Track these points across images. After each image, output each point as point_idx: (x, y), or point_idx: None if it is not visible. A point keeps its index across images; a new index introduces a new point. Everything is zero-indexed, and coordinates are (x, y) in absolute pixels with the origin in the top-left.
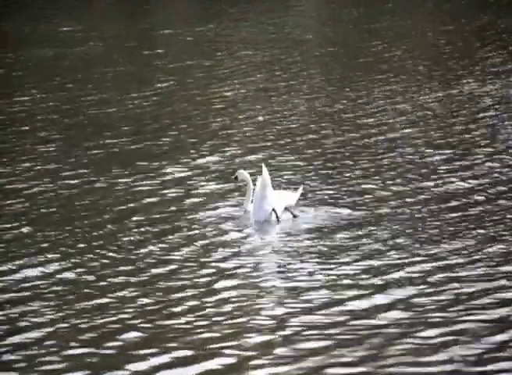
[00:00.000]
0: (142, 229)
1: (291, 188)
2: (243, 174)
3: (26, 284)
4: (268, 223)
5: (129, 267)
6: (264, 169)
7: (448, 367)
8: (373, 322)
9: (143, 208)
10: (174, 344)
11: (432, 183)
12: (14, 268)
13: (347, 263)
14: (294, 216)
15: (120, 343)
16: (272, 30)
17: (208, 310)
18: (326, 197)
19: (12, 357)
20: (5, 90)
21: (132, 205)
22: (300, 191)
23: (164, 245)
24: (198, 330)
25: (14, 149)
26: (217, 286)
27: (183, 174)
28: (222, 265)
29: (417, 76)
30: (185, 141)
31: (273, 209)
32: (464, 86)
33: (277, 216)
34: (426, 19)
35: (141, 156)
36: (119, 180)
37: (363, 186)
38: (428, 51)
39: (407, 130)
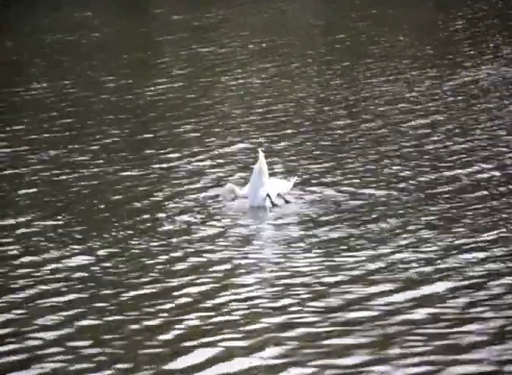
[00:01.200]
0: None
1: (287, 176)
2: (230, 186)
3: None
4: (264, 210)
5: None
6: (261, 156)
7: (486, 367)
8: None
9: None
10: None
11: (442, 171)
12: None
13: (355, 251)
14: (286, 202)
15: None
16: (279, 16)
17: (218, 306)
18: (330, 185)
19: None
20: (21, 77)
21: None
22: (294, 180)
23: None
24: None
25: (35, 137)
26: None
27: (202, 163)
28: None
29: (427, 63)
30: (201, 130)
31: (268, 195)
32: (477, 71)
33: (271, 202)
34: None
35: (154, 145)
36: (135, 171)
37: (366, 174)
38: (436, 38)
39: (412, 117)
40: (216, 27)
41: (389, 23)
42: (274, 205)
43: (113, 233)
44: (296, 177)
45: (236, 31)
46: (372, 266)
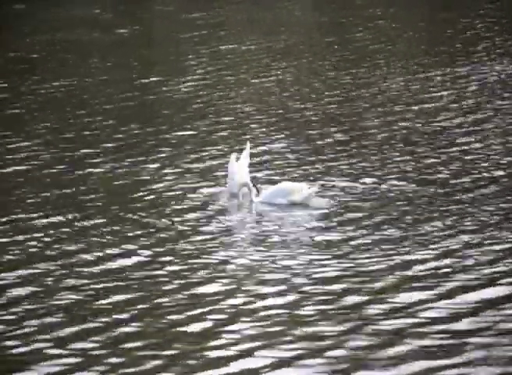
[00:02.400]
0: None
1: (309, 183)
2: (245, 182)
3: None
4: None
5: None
6: (247, 147)
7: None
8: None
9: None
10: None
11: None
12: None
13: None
14: (258, 191)
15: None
16: (287, 14)
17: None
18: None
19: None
20: (45, 74)
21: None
22: (315, 189)
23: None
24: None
25: (61, 135)
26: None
27: (218, 162)
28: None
29: (432, 58)
30: (220, 129)
31: (254, 185)
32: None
33: (257, 189)
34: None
35: (173, 143)
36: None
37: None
38: (437, 35)
39: (436, 116)
40: (230, 25)
41: (397, 21)
42: (258, 192)
43: (146, 235)
44: (317, 187)
45: (249, 30)
46: (410, 273)
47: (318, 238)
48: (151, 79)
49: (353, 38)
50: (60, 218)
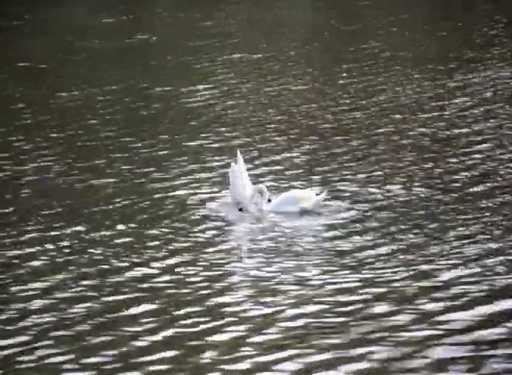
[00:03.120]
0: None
1: (317, 189)
2: (259, 188)
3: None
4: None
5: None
6: (239, 156)
7: None
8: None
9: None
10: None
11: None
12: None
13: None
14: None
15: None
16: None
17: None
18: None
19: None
20: (55, 83)
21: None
22: (323, 195)
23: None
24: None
25: (72, 144)
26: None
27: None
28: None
29: (444, 65)
30: (238, 137)
31: (240, 209)
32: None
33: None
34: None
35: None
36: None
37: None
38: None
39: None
40: (238, 31)
41: (401, 24)
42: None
43: (164, 245)
44: (325, 192)
45: (257, 36)
46: (431, 282)
47: (336, 247)
48: (162, 88)
49: (363, 44)
50: (73, 229)
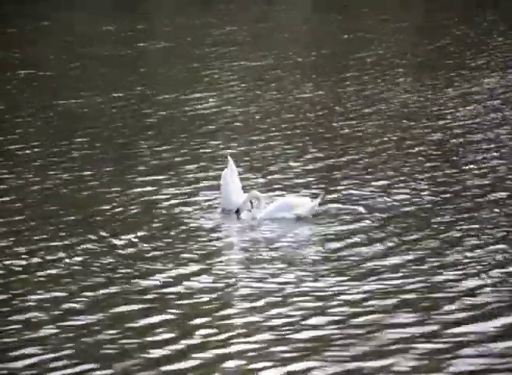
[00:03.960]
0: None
1: (312, 194)
2: (255, 194)
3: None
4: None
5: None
6: (230, 161)
7: None
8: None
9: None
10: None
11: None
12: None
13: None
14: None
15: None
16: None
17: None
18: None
19: None
20: (65, 91)
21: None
22: (319, 199)
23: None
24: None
25: (83, 152)
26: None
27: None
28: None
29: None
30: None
31: (237, 211)
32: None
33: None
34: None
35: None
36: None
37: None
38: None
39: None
40: (243, 38)
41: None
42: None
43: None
44: (321, 196)
45: (260, 44)
46: (442, 293)
47: (341, 256)
48: (167, 95)
49: (367, 51)
50: (80, 238)
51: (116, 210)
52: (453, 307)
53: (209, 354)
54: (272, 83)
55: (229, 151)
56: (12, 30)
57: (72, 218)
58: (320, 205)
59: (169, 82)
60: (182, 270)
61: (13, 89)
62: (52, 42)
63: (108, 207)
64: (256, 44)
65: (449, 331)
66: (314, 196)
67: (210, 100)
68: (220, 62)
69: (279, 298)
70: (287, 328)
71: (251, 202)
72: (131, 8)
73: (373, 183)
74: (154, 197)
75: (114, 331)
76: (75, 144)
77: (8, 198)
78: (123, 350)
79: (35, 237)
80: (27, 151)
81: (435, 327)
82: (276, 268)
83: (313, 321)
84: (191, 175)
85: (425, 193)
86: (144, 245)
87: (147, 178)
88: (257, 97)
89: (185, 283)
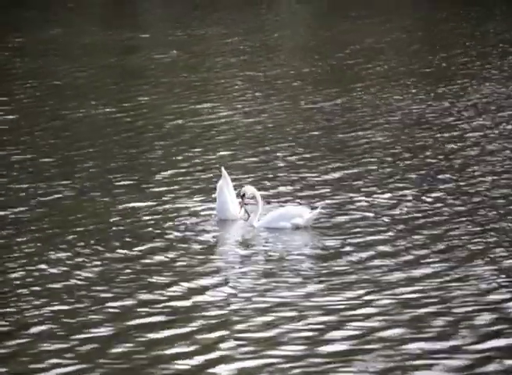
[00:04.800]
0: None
1: (311, 205)
2: (251, 189)
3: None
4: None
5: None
6: (224, 172)
7: None
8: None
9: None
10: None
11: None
12: None
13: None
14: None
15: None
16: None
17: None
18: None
19: None
20: (89, 100)
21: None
22: (318, 210)
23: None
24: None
25: (89, 162)
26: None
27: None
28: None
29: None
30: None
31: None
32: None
33: (247, 213)
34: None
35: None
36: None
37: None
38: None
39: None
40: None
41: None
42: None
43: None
44: (320, 206)
45: (275, 52)
46: (442, 307)
47: (349, 270)
48: (181, 104)
49: (376, 61)
50: (90, 250)
51: (116, 221)
52: (477, 321)
53: (222, 369)
54: (279, 93)
55: (228, 161)
56: (19, 39)
57: (82, 229)
58: (320, 215)
59: (175, 92)
60: (187, 284)
61: (22, 98)
62: (59, 51)
63: (111, 218)
64: (262, 53)
65: (473, 347)
66: (313, 207)
67: (217, 110)
68: (227, 71)
69: (293, 313)
70: (303, 342)
71: (246, 211)
72: (131, 17)
73: (380, 195)
74: (166, 206)
75: (128, 345)
76: (82, 154)
77: (12, 210)
78: (135, 364)
79: (46, 249)
80: (35, 161)
81: (457, 342)
82: (284, 281)
83: (329, 336)
84: (205, 183)
85: (437, 204)
86: (148, 258)
87: (160, 189)
88: (265, 107)
89: (193, 297)
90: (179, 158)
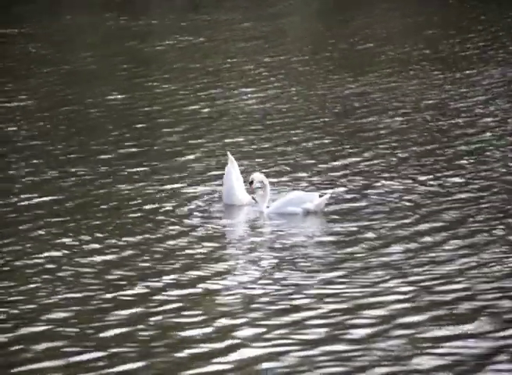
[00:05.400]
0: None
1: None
2: (260, 176)
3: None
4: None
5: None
6: (230, 157)
7: None
8: None
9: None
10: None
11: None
12: None
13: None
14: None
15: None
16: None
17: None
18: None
19: None
20: (103, 87)
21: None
22: (327, 196)
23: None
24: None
25: (105, 148)
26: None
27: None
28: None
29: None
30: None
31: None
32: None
33: (254, 199)
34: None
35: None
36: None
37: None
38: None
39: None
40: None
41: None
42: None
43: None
44: (331, 192)
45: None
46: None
47: (353, 258)
48: (216, 89)
49: (387, 46)
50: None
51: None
52: (498, 308)
53: (237, 355)
54: (294, 78)
55: (243, 146)
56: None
57: (97, 215)
58: (330, 201)
59: (189, 77)
60: (200, 271)
61: (36, 85)
62: (73, 40)
63: (124, 204)
64: (276, 39)
65: (495, 334)
66: (323, 193)
67: (231, 95)
68: (241, 57)
69: (310, 299)
70: (323, 329)
71: (254, 198)
72: (144, 3)
73: (396, 180)
74: (180, 192)
75: (142, 331)
76: (96, 140)
77: (27, 195)
78: (148, 351)
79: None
80: (50, 147)
81: (478, 328)
82: (301, 267)
83: (348, 322)
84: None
85: (454, 189)
86: (162, 243)
87: (172, 175)
88: (279, 92)
89: (206, 283)
90: (193, 143)
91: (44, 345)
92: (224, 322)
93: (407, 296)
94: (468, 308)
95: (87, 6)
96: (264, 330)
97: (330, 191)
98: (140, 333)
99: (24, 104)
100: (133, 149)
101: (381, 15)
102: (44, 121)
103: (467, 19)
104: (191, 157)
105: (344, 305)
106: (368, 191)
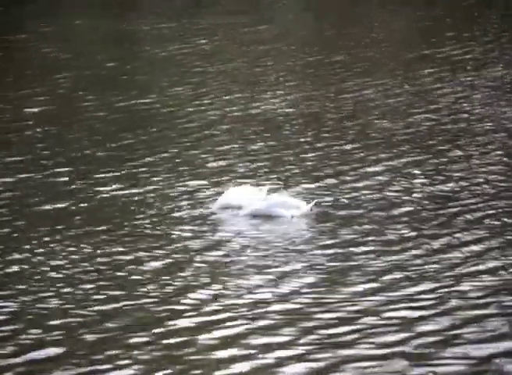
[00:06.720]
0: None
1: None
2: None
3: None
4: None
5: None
6: None
7: None
8: None
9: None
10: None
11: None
12: None
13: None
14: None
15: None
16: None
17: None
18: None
19: None
20: (114, 91)
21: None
22: (311, 205)
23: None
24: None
25: (117, 153)
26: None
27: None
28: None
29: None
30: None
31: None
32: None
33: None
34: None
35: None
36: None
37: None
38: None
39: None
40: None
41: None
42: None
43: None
44: (314, 202)
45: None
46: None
47: (354, 264)
48: (228, 95)
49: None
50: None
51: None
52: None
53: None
54: (311, 81)
55: (260, 150)
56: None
57: (115, 220)
58: (316, 207)
59: (206, 81)
60: (198, 279)
61: (53, 89)
62: (88, 41)
63: (143, 205)
64: (290, 42)
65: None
66: (308, 200)
67: (249, 99)
68: (256, 60)
69: (313, 301)
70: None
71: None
72: (157, 6)
73: (387, 185)
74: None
75: (150, 333)
76: (117, 144)
77: (49, 201)
78: (154, 355)
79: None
80: (70, 151)
81: (495, 330)
82: (296, 270)
83: (352, 325)
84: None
85: (449, 195)
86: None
87: (192, 171)
88: (297, 94)
89: (206, 288)
90: (209, 148)
91: (54, 347)
92: (230, 328)
93: (420, 303)
94: (481, 310)
95: (91, 7)
96: (275, 337)
97: (316, 200)
98: (143, 339)
99: (39, 109)
100: (153, 152)
101: (387, 16)
102: (57, 125)
103: (475, 24)
104: (201, 161)
105: (350, 312)
106: (371, 196)
